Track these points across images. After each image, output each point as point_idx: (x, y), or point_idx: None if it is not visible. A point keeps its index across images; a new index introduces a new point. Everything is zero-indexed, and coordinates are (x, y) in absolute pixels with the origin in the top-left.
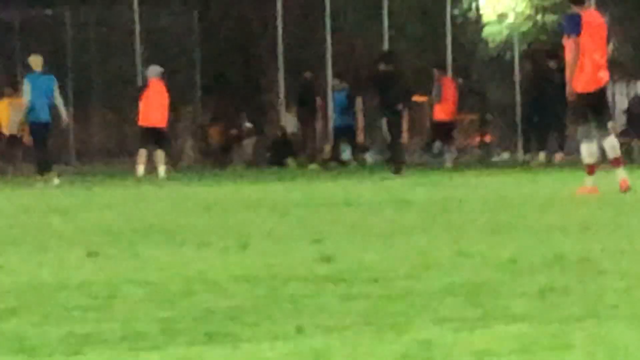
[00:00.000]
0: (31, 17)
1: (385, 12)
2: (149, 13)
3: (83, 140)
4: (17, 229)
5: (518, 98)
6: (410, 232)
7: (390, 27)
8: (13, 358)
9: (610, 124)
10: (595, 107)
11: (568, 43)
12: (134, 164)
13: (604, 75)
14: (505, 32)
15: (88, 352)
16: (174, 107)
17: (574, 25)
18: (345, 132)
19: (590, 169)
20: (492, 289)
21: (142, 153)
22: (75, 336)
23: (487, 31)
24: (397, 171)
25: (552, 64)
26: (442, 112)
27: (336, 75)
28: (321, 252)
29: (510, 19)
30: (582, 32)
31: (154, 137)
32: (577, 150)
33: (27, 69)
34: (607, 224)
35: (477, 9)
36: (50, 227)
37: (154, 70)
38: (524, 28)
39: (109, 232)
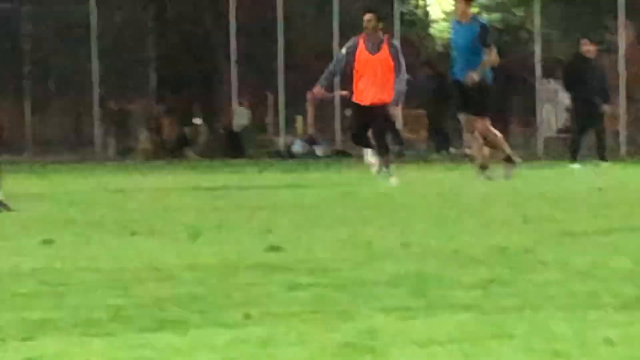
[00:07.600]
0: None
1: (336, 8)
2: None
3: (39, 130)
4: None
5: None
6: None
7: (341, 23)
8: None
9: None
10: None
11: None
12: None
13: None
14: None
15: (40, 338)
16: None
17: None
18: None
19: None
20: (436, 280)
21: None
22: (27, 322)
23: (434, 29)
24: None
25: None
26: None
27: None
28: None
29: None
30: None
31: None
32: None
33: None
34: (547, 217)
35: (425, 6)
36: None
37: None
38: None
39: (64, 221)
